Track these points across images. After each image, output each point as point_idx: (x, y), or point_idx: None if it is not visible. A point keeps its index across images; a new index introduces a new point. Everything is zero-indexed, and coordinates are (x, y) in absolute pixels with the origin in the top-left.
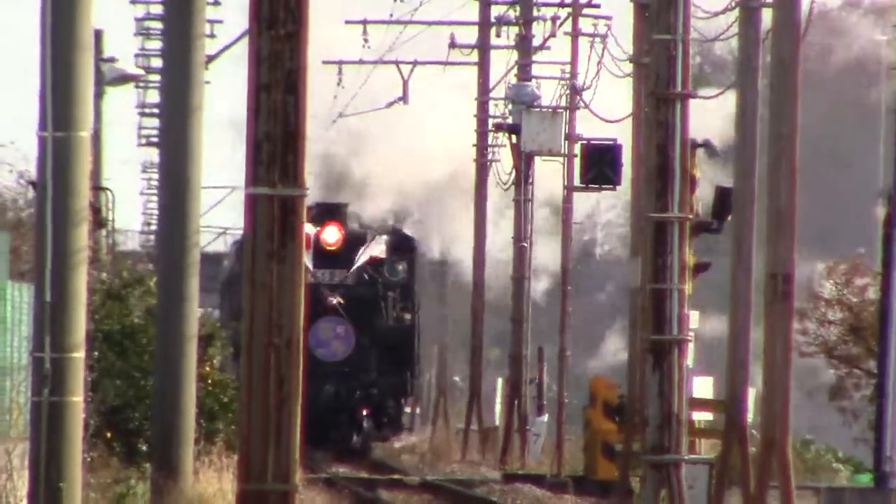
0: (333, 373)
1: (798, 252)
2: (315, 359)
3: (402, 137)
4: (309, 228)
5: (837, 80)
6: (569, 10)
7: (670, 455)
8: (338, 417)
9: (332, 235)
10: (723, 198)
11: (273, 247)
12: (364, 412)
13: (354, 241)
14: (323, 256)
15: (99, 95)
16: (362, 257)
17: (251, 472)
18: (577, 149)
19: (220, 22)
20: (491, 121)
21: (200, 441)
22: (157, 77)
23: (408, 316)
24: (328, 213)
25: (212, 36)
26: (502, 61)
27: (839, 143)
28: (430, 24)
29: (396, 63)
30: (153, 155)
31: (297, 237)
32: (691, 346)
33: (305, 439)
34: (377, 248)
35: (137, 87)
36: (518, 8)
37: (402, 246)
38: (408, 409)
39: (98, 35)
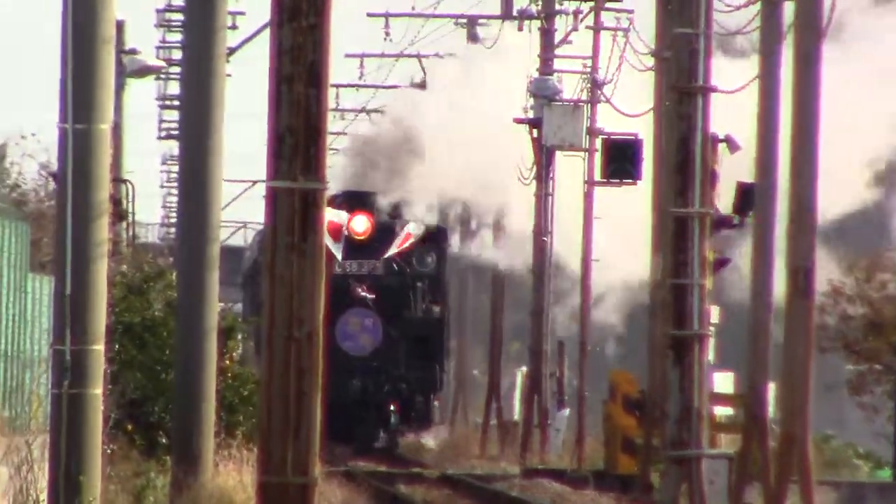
0: (361, 366)
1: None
2: (342, 352)
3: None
4: (339, 216)
5: None
6: (591, 3)
7: (691, 450)
8: (365, 412)
9: (360, 225)
10: (744, 194)
11: (294, 240)
12: (392, 407)
13: (383, 231)
14: (350, 247)
15: (120, 87)
16: (394, 246)
17: (271, 464)
18: (598, 143)
19: (241, 13)
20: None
21: (220, 434)
22: (178, 69)
23: (437, 308)
24: (357, 202)
25: (233, 27)
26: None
27: None
28: (451, 17)
29: (418, 56)
30: (174, 147)
31: (317, 230)
32: (711, 340)
33: (332, 434)
34: (414, 233)
35: (158, 79)
36: (540, 2)
37: (432, 236)
38: (436, 403)
39: (119, 26)
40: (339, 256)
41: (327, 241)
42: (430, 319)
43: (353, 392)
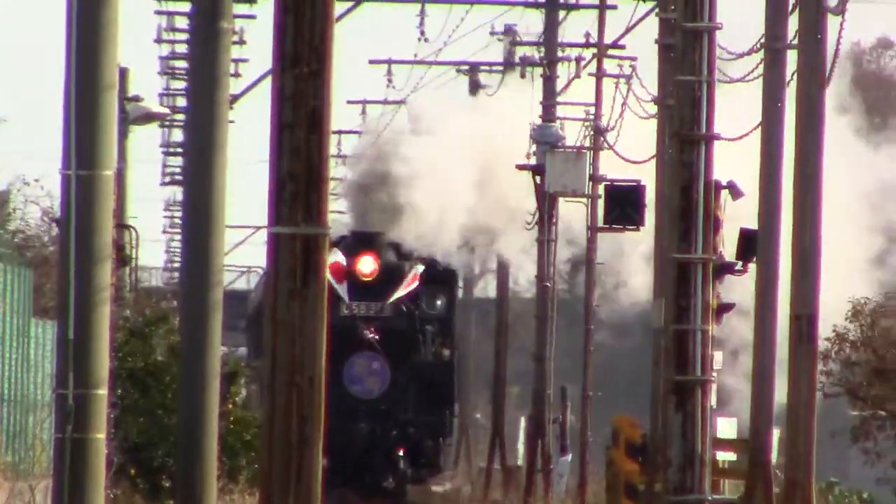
0: (368, 410)
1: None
2: (349, 395)
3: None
4: (342, 258)
5: None
6: (593, 50)
7: (693, 495)
8: (372, 458)
9: (367, 266)
10: (747, 239)
11: (295, 285)
12: (400, 452)
13: (391, 273)
14: (357, 288)
15: (123, 134)
16: (401, 289)
17: None
18: (600, 189)
19: (245, 61)
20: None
21: (223, 478)
22: (181, 116)
23: (446, 351)
24: (363, 242)
25: (236, 75)
26: (525, 101)
27: None
28: (453, 64)
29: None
30: (177, 193)
31: (319, 276)
32: (714, 385)
33: (338, 479)
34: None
35: (162, 126)
36: (542, 49)
37: (441, 277)
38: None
39: (123, 73)
40: (345, 297)
41: (333, 282)
42: (440, 363)
43: (360, 436)
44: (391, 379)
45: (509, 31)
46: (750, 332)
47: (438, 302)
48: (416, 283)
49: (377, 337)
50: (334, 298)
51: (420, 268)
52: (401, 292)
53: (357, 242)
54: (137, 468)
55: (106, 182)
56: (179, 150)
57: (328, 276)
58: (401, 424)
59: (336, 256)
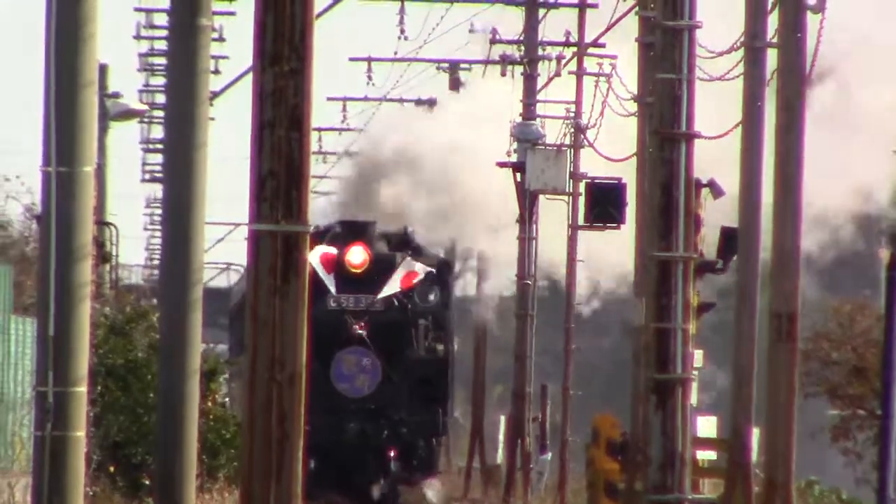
0: (358, 410)
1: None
2: (337, 394)
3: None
4: (333, 249)
5: None
6: (574, 49)
7: (673, 494)
8: (363, 459)
9: (357, 257)
10: (728, 238)
11: (276, 283)
12: (392, 453)
13: (382, 264)
14: (347, 280)
15: (103, 130)
16: (395, 281)
17: None
18: (581, 187)
19: (225, 58)
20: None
21: (203, 477)
22: (161, 113)
23: (441, 347)
24: (353, 232)
25: (216, 72)
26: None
27: None
28: (434, 61)
29: (401, 100)
30: (157, 190)
31: (300, 273)
32: (695, 384)
33: (327, 482)
34: (416, 268)
35: (142, 122)
36: (523, 47)
37: (436, 269)
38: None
39: (102, 70)
40: (332, 290)
41: (321, 273)
42: (434, 359)
43: (350, 437)
44: (382, 376)
45: (489, 29)
46: None
47: (432, 295)
48: (415, 280)
49: (367, 332)
50: (322, 292)
51: (416, 265)
52: (394, 286)
53: (347, 232)
54: (117, 466)
55: (86, 179)
56: (159, 146)
57: (317, 265)
58: (392, 424)
59: (325, 247)
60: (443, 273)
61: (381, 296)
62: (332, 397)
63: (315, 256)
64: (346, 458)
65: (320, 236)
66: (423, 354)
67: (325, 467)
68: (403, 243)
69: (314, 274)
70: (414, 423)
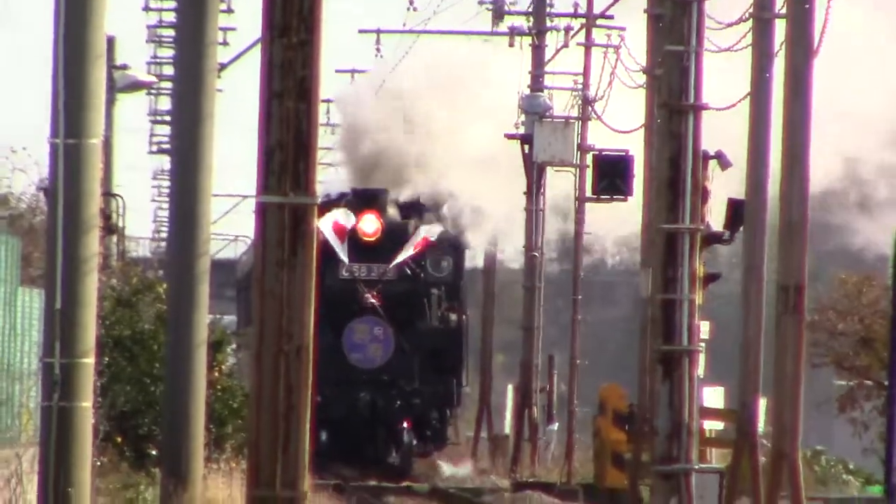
0: (370, 380)
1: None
2: (349, 365)
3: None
4: (346, 217)
5: None
6: (582, 20)
7: (680, 465)
8: (375, 430)
9: (370, 225)
10: (735, 209)
11: (283, 255)
12: (405, 424)
13: (395, 233)
14: (359, 249)
15: (110, 102)
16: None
17: (260, 478)
18: (588, 159)
19: (233, 29)
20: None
21: (210, 447)
22: (169, 84)
23: (454, 317)
24: (365, 200)
25: (224, 44)
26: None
27: None
28: (442, 33)
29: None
30: (164, 162)
31: (307, 245)
32: (702, 356)
33: (339, 454)
34: (433, 238)
35: (149, 94)
36: (531, 18)
37: (448, 238)
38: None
39: (110, 42)
40: (344, 259)
41: (334, 242)
42: (447, 329)
43: (362, 408)
44: (395, 346)
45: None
46: None
47: (445, 263)
48: (434, 239)
49: (379, 302)
50: (334, 261)
51: (429, 230)
52: (407, 253)
53: (359, 200)
54: (124, 436)
55: (93, 150)
56: (167, 118)
57: (329, 234)
58: (405, 395)
59: (339, 215)
60: (455, 241)
61: (395, 262)
62: (344, 369)
63: (327, 224)
64: (357, 431)
65: (330, 205)
66: (436, 324)
67: (336, 439)
68: (416, 210)
69: (325, 242)
70: (427, 394)
